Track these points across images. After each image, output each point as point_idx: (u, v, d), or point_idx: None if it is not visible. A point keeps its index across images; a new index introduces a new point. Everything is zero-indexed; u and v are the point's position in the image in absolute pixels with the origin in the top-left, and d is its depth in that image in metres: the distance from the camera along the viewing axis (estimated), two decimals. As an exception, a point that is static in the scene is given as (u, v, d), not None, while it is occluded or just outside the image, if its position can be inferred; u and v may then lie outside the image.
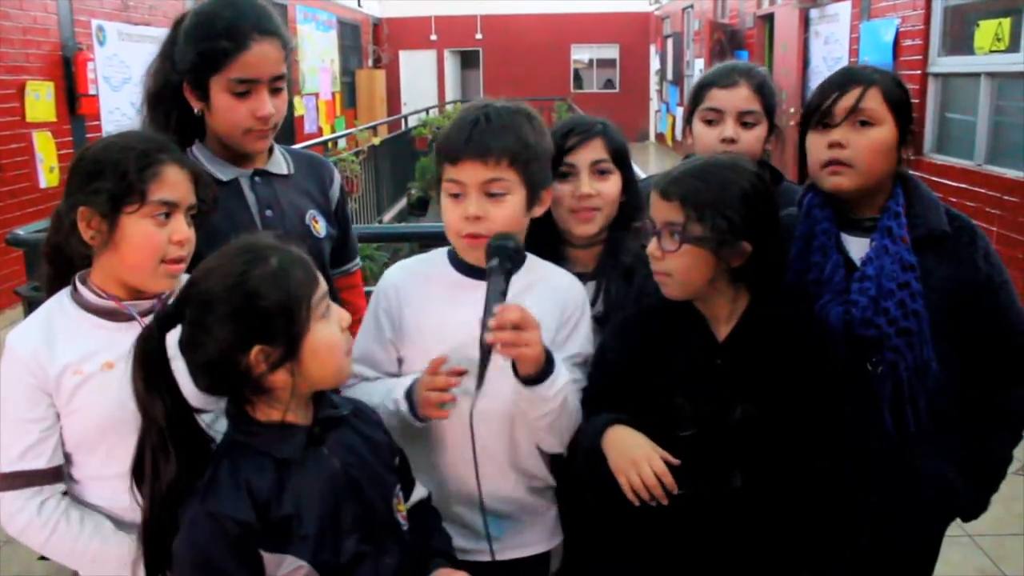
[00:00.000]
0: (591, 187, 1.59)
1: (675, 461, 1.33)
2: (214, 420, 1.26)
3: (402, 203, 11.27)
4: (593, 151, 1.60)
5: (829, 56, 8.39)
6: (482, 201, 1.39)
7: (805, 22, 9.09)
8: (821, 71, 8.46)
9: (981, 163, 5.47)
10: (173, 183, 1.32)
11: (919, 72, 6.22)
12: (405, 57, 19.55)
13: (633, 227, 1.62)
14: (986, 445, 1.55)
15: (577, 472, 1.47)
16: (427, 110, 14.88)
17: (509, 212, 1.39)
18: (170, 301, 1.31)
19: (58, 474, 1.32)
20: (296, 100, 12.30)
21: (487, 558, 1.46)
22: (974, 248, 1.50)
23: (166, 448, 1.17)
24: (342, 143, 10.20)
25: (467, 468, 1.45)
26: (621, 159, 1.63)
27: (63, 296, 1.35)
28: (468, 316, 1.32)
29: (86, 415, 1.30)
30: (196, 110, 1.57)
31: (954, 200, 5.25)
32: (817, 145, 1.50)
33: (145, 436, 1.18)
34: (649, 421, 1.39)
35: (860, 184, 1.48)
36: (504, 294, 1.30)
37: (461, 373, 1.36)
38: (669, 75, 16.20)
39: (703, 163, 1.42)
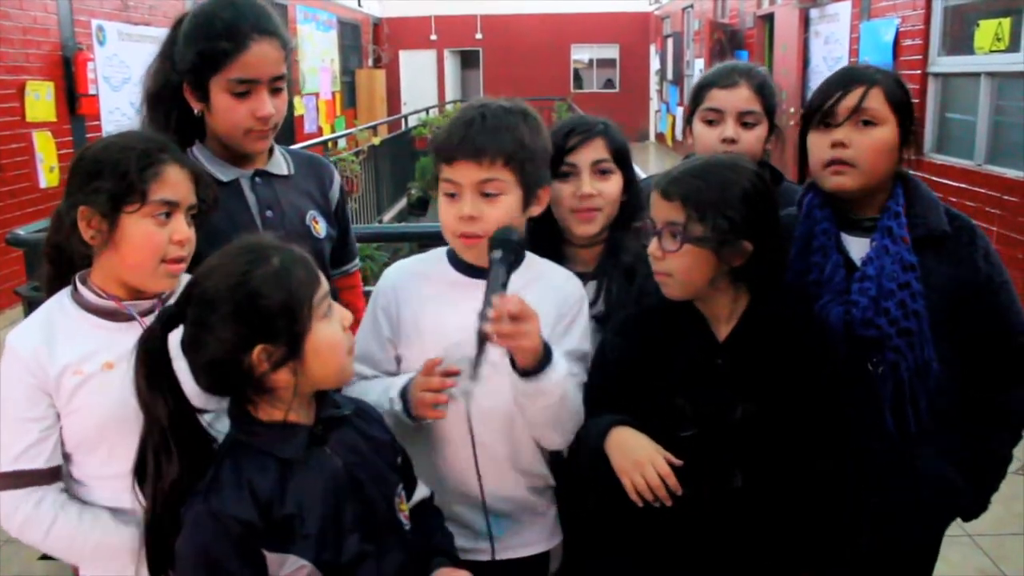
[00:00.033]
0: (592, 187, 1.59)
1: (678, 462, 1.33)
2: (214, 419, 1.26)
3: (402, 203, 11.28)
4: (594, 151, 1.60)
5: (829, 56, 8.39)
6: (477, 201, 1.39)
7: (805, 22, 9.09)
8: (821, 71, 8.46)
9: (981, 163, 5.47)
10: (174, 183, 1.32)
11: (919, 72, 6.22)
12: (405, 57, 19.55)
13: (633, 227, 1.62)
14: (986, 445, 1.55)
15: (580, 473, 1.48)
16: (427, 110, 14.88)
17: (504, 212, 1.39)
18: (170, 301, 1.31)
19: (56, 474, 1.32)
20: (296, 100, 12.30)
21: (487, 557, 1.46)
22: (974, 248, 1.50)
23: (168, 448, 1.17)
24: (342, 143, 10.20)
25: (467, 467, 1.45)
26: (622, 159, 1.63)
27: (63, 296, 1.35)
28: (466, 315, 1.31)
29: (86, 415, 1.30)
30: (196, 111, 1.57)
31: (954, 200, 5.25)
32: (819, 145, 1.50)
33: (147, 436, 1.18)
34: (650, 421, 1.39)
35: (862, 184, 1.48)
36: (505, 286, 1.29)
37: (455, 374, 1.36)
38: (669, 75, 16.20)
39: (703, 163, 1.42)
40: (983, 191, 5.31)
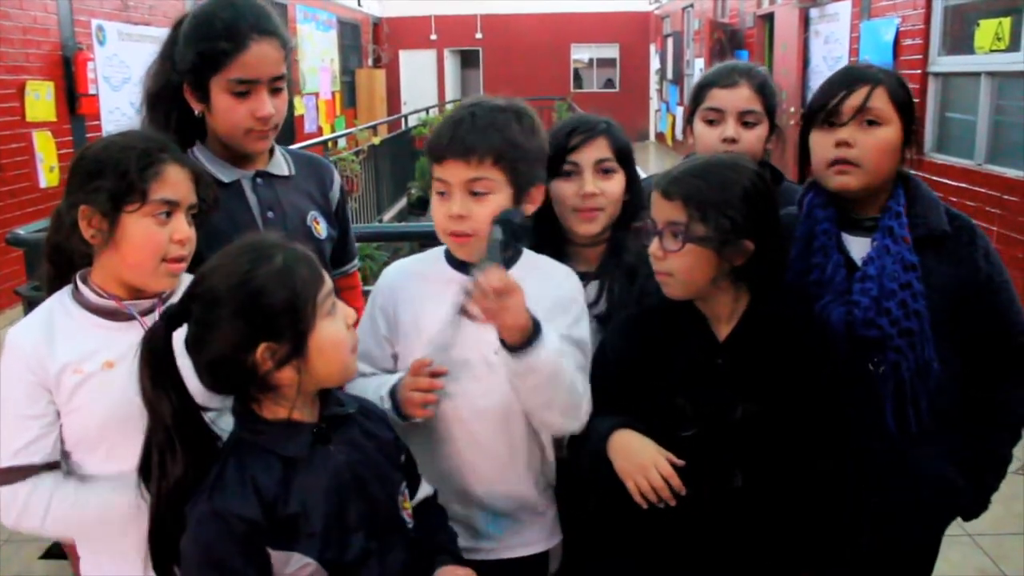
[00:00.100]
0: (595, 186, 1.59)
1: (680, 462, 1.33)
2: (216, 416, 1.26)
3: (402, 203, 11.28)
4: (597, 150, 1.60)
5: (829, 56, 8.38)
6: (466, 200, 1.39)
7: (805, 22, 9.08)
8: (821, 71, 8.46)
9: (981, 163, 5.47)
10: (174, 182, 1.32)
11: (919, 71, 6.21)
12: (405, 57, 19.55)
13: (633, 227, 1.62)
14: (986, 445, 1.56)
15: (581, 475, 1.48)
16: (427, 110, 14.87)
17: (492, 211, 1.38)
18: (170, 301, 1.31)
19: (54, 469, 1.32)
20: (296, 100, 12.30)
21: (485, 557, 1.46)
22: (974, 248, 1.50)
23: (173, 446, 1.17)
24: (342, 143, 10.20)
25: (465, 466, 1.46)
26: (625, 158, 1.63)
27: (64, 295, 1.36)
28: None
29: (86, 415, 1.30)
30: (196, 111, 1.57)
31: (954, 200, 5.25)
32: (823, 144, 1.50)
33: (151, 434, 1.19)
34: (650, 421, 1.39)
35: (866, 184, 1.48)
36: (500, 263, 1.27)
37: (442, 374, 1.37)
38: (669, 75, 16.20)
39: (704, 162, 1.42)
40: (983, 191, 5.31)
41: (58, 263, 1.38)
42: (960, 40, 6.00)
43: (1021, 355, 1.55)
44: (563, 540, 1.57)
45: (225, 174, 1.60)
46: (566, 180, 1.60)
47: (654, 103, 18.75)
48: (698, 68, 13.54)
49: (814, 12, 8.88)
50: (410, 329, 1.47)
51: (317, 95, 13.91)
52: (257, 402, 1.20)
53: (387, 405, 1.40)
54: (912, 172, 1.55)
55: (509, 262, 1.31)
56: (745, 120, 1.83)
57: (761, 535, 1.39)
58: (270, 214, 1.63)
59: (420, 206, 10.77)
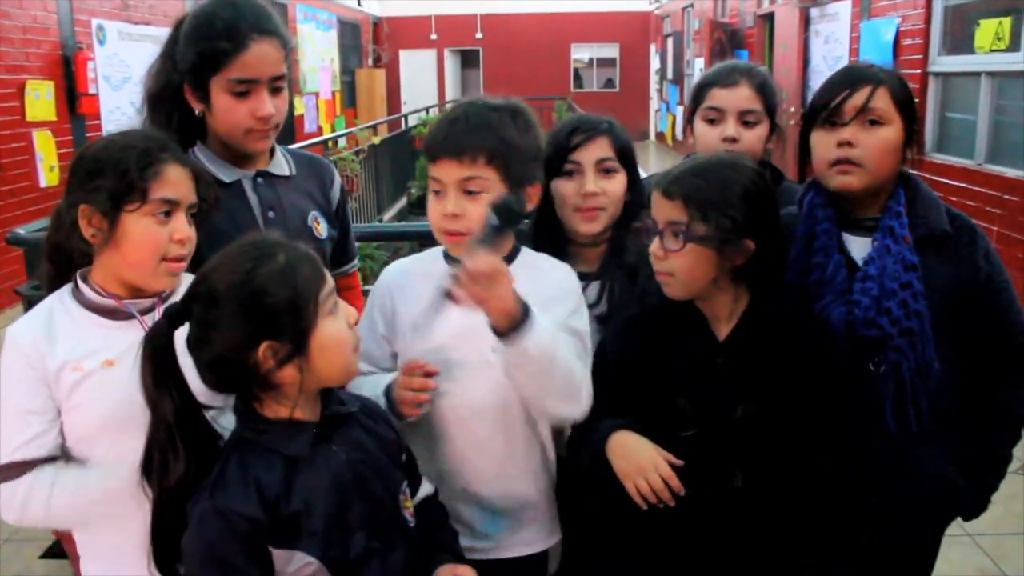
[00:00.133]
0: (596, 185, 1.58)
1: (679, 463, 1.33)
2: (218, 414, 1.26)
3: (402, 202, 11.28)
4: (598, 149, 1.60)
5: (829, 55, 8.38)
6: (460, 199, 1.39)
7: (805, 21, 9.08)
8: (821, 70, 8.46)
9: (981, 162, 5.47)
10: (174, 182, 1.32)
11: (919, 71, 6.21)
12: (405, 56, 19.55)
13: (632, 227, 1.62)
14: (986, 444, 1.56)
15: (580, 475, 1.48)
16: (427, 109, 14.86)
17: (486, 210, 1.38)
18: (170, 300, 1.32)
19: (54, 462, 1.32)
20: (296, 99, 12.30)
21: (484, 556, 1.46)
22: (975, 248, 1.50)
23: (175, 445, 1.18)
24: (342, 142, 10.19)
25: (464, 465, 1.46)
26: (626, 158, 1.63)
27: (64, 293, 1.36)
28: (460, 312, 1.30)
29: (86, 413, 1.30)
30: (197, 111, 1.57)
31: (954, 199, 5.25)
32: (824, 144, 1.50)
33: (154, 433, 1.19)
34: (650, 421, 1.39)
35: (868, 184, 1.48)
36: (489, 248, 1.25)
37: (434, 374, 1.37)
38: (669, 74, 16.20)
39: (704, 162, 1.42)
40: (983, 191, 5.31)
41: (58, 262, 1.38)
42: (960, 40, 5.99)
43: (1021, 355, 1.54)
44: (563, 540, 1.56)
45: (226, 174, 1.60)
46: (567, 179, 1.60)
47: (654, 103, 18.75)
48: (698, 68, 13.53)
49: (814, 12, 8.88)
50: (406, 327, 1.48)
51: (317, 95, 13.91)
52: (259, 401, 1.20)
53: (382, 404, 1.40)
54: (912, 172, 1.55)
55: (500, 228, 1.27)
56: (745, 120, 1.83)
57: (761, 535, 1.39)
58: (271, 214, 1.63)
59: (420, 206, 10.76)
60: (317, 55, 14.07)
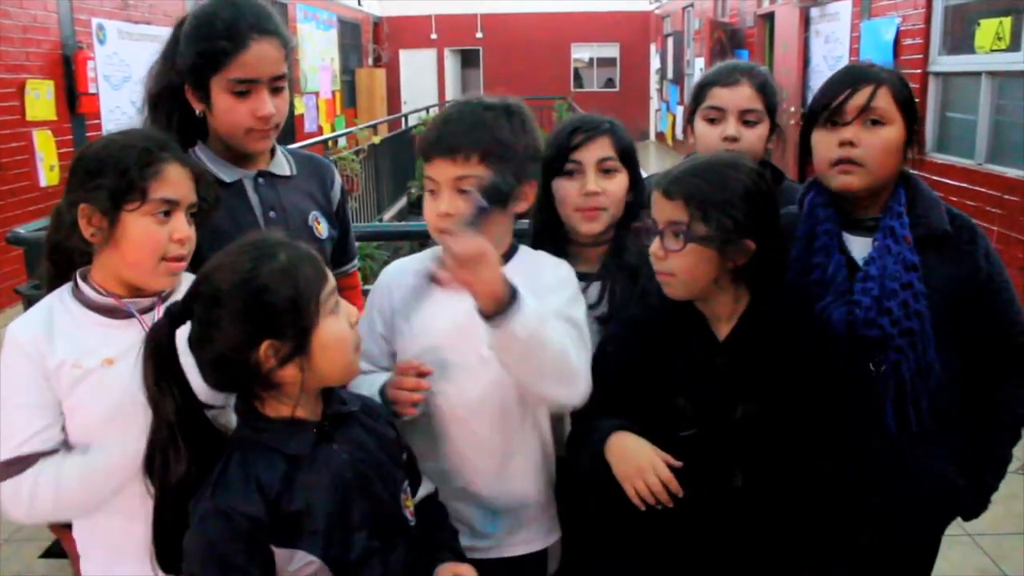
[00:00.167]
0: (597, 185, 1.58)
1: (678, 464, 1.33)
2: (218, 413, 1.26)
3: (402, 202, 11.27)
4: (600, 149, 1.60)
5: (830, 55, 8.38)
6: (453, 198, 1.38)
7: (806, 21, 9.08)
8: (822, 70, 8.46)
9: (982, 162, 5.47)
10: (174, 181, 1.32)
11: (920, 71, 6.21)
12: (405, 56, 19.54)
13: (632, 227, 1.62)
14: (986, 444, 1.56)
15: (580, 475, 1.48)
16: (427, 109, 14.84)
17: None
18: (170, 300, 1.32)
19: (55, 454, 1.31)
20: (296, 99, 12.29)
21: (484, 555, 1.46)
22: (975, 247, 1.50)
23: (176, 443, 1.18)
24: (342, 142, 10.19)
25: (464, 464, 1.46)
26: (628, 158, 1.63)
27: (64, 292, 1.36)
28: (458, 312, 1.30)
29: (87, 412, 1.30)
30: (197, 111, 1.57)
31: (955, 199, 5.25)
32: (826, 143, 1.49)
33: (155, 432, 1.19)
34: (650, 421, 1.39)
35: (869, 183, 1.47)
36: (476, 230, 1.22)
37: (427, 374, 1.37)
38: (669, 74, 16.19)
39: (704, 161, 1.42)
40: (983, 190, 5.31)
41: (58, 262, 1.38)
42: (960, 40, 5.99)
43: (1021, 355, 1.55)
44: (563, 539, 1.57)
45: (227, 174, 1.60)
46: (568, 179, 1.60)
47: (654, 103, 18.74)
48: (698, 68, 13.53)
49: (814, 11, 8.88)
50: (405, 327, 1.48)
51: (317, 94, 13.91)
52: (260, 400, 1.20)
53: None
54: (912, 172, 1.55)
55: (484, 210, 1.24)
56: (746, 119, 1.83)
57: (761, 535, 1.39)
58: (272, 214, 1.63)
59: (420, 205, 10.61)
60: (317, 55, 14.07)
